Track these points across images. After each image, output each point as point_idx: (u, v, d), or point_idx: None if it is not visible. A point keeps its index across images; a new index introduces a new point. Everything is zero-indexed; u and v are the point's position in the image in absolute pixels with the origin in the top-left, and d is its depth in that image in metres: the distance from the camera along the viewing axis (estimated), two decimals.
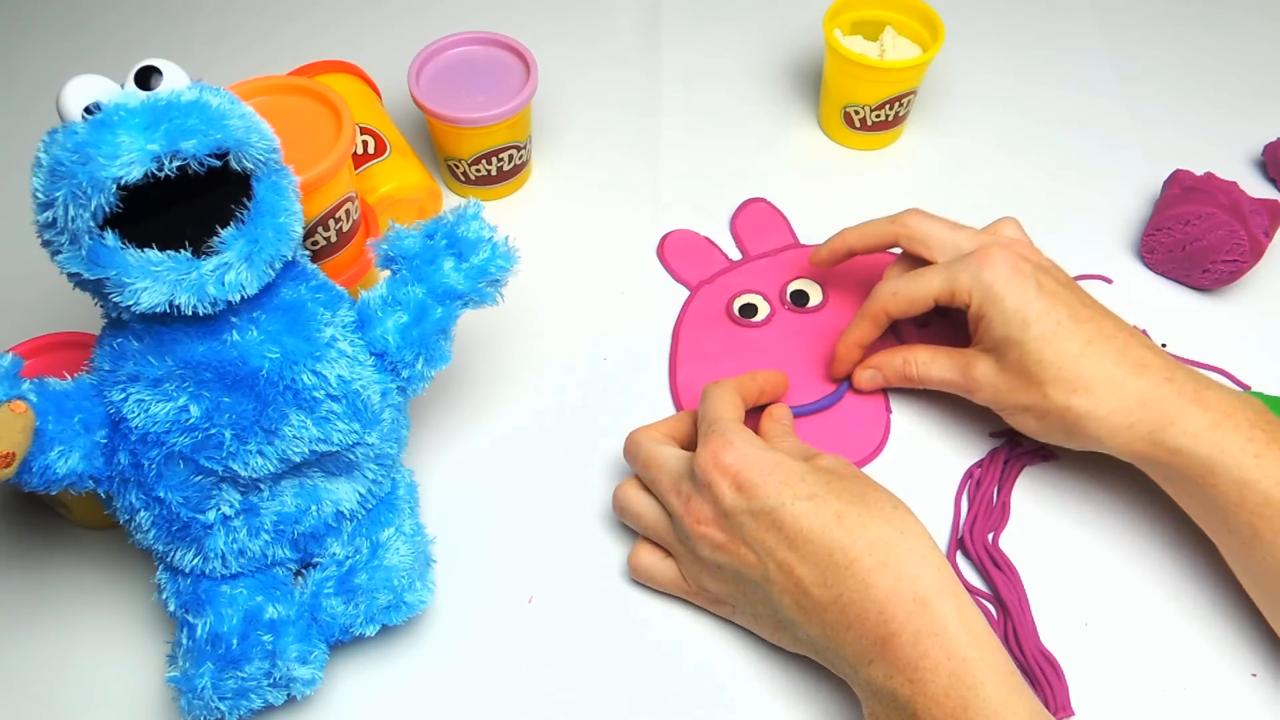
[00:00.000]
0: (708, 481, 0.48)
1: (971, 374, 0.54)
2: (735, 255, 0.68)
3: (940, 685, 0.41)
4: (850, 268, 0.67)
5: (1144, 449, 0.50)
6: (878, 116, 0.72)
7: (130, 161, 0.39)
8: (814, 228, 0.69)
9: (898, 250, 0.59)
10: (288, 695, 0.48)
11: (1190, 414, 0.48)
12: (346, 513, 0.51)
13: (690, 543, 0.49)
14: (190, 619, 0.48)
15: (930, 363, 0.57)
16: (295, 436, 0.46)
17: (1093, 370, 0.50)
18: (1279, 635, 0.50)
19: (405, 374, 0.50)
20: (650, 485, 0.52)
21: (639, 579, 0.54)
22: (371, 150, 0.66)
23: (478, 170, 0.69)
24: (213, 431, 0.45)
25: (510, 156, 0.69)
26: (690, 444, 0.55)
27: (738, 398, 0.53)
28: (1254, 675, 0.51)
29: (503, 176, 0.70)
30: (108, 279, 0.41)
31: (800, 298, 0.66)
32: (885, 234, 0.58)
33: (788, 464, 0.47)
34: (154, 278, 0.41)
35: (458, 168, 0.69)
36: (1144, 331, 0.64)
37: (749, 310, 0.65)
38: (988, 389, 0.54)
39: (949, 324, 0.63)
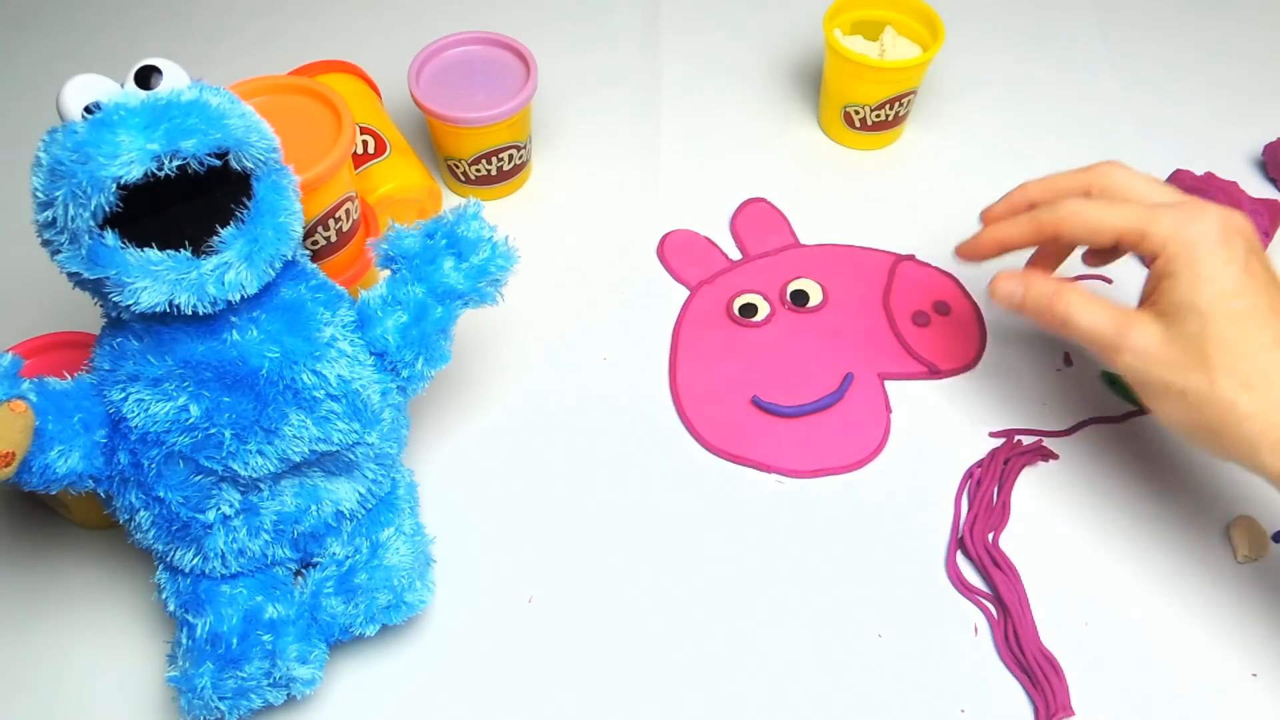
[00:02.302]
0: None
1: (1128, 334, 0.47)
2: (735, 255, 0.68)
3: None
4: (850, 267, 0.67)
5: None
6: (878, 116, 0.72)
7: (130, 161, 0.39)
8: (814, 228, 0.69)
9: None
10: (288, 695, 0.48)
11: None
12: (346, 512, 0.51)
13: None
14: (190, 619, 0.48)
15: (1084, 307, 0.49)
16: (295, 436, 0.46)
17: (1277, 370, 0.44)
18: None
19: (405, 373, 0.50)
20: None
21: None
22: (371, 150, 0.66)
23: (478, 170, 0.69)
24: (213, 431, 0.45)
25: (510, 156, 0.69)
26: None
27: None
28: (1254, 675, 0.51)
29: (503, 176, 0.70)
30: (107, 278, 0.41)
31: (800, 297, 0.66)
32: (1075, 184, 0.52)
33: None
34: (154, 277, 0.41)
35: (458, 168, 0.69)
36: None
37: (749, 310, 0.65)
38: (1142, 358, 0.47)
39: (950, 324, 0.63)
